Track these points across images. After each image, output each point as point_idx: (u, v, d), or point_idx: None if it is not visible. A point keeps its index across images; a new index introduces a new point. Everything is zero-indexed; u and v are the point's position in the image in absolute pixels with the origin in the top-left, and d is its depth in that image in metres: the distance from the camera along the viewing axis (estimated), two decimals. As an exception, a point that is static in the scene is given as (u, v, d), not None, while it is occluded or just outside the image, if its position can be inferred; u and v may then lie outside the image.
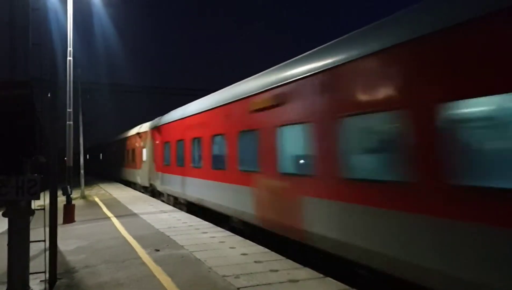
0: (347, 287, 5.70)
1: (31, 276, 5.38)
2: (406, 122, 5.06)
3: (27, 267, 5.18)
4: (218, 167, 11.11)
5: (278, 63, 8.53)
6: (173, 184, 15.69)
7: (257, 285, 5.87)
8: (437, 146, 4.67)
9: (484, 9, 4.22)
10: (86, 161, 50.79)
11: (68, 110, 15.44)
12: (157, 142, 18.32)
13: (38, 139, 4.95)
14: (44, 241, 5.82)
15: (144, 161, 21.29)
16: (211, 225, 10.99)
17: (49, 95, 6.37)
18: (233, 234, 9.60)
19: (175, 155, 15.31)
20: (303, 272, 6.40)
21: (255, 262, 7.07)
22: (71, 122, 15.20)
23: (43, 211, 5.76)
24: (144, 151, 21.17)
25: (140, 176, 22.50)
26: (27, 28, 5.47)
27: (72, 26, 16.02)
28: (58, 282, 6.35)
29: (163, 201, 17.60)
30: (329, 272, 6.36)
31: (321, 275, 6.21)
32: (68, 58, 15.78)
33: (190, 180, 13.60)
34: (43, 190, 5.36)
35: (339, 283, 5.88)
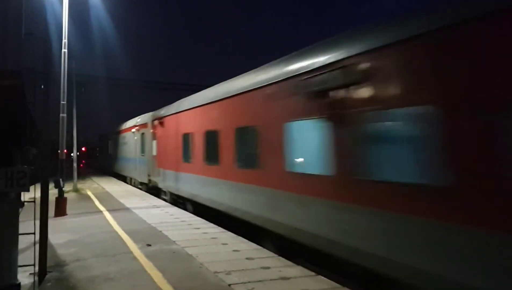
0: (338, 285, 5.70)
1: (20, 269, 5.33)
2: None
3: (16, 260, 5.12)
4: None
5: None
6: None
7: (249, 281, 5.84)
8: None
9: None
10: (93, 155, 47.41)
11: (62, 102, 15.32)
12: None
13: (29, 130, 4.89)
14: (34, 233, 5.76)
15: None
16: (203, 221, 10.95)
17: (42, 87, 6.29)
18: (225, 230, 9.57)
19: None
20: (295, 270, 6.39)
21: (247, 259, 7.05)
22: (65, 115, 15.09)
23: (34, 204, 5.70)
24: None
25: None
26: (20, 18, 5.39)
27: (68, 18, 15.86)
28: (48, 275, 6.30)
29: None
30: (321, 270, 6.36)
31: (313, 273, 6.20)
32: (63, 50, 15.63)
33: None
34: (35, 182, 5.29)
35: (330, 281, 5.87)
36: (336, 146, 6.03)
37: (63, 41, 15.68)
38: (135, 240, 8.61)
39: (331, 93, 6.12)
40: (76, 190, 20.08)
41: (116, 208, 13.74)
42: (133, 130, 21.84)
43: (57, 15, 15.78)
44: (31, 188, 5.09)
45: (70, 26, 15.91)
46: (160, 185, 16.43)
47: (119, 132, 27.50)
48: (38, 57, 6.24)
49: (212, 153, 10.85)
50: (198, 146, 11.92)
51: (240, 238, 8.78)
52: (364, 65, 5.50)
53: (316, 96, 6.41)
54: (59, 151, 15.07)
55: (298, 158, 7.15)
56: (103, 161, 38.71)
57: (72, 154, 24.33)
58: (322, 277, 6.02)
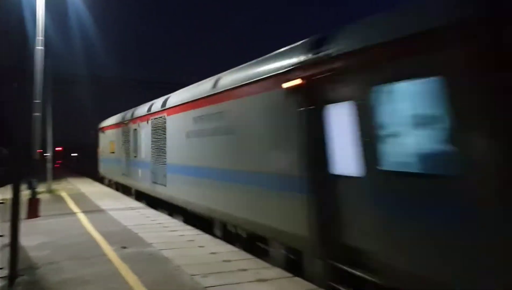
0: (314, 286, 5.75)
1: (-11, 273, 5.18)
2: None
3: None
4: None
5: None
6: None
7: (225, 284, 5.83)
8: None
9: None
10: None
11: (36, 101, 14.97)
12: None
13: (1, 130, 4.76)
14: (3, 236, 5.60)
15: None
16: (180, 223, 10.87)
17: (15, 85, 6.14)
18: (202, 232, 9.53)
19: None
20: (272, 272, 6.41)
21: (224, 261, 7.03)
22: (39, 114, 14.77)
23: (6, 206, 5.55)
24: None
25: None
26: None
27: (45, 14, 15.55)
28: (19, 279, 6.12)
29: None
30: (297, 272, 6.41)
31: (290, 275, 6.24)
32: (38, 47, 15.29)
33: None
34: (6, 183, 5.15)
35: (307, 282, 5.93)
36: None
37: (37, 38, 15.35)
38: (110, 243, 8.47)
39: None
40: (50, 191, 19.59)
41: (91, 209, 13.47)
42: (287, 84, 6.25)
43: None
44: (3, 189, 4.96)
45: (51, 24, 15.58)
46: None
47: (173, 110, 12.01)
48: (13, 54, 6.09)
49: None
50: None
51: (217, 240, 8.76)
52: None
53: None
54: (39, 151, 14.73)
55: None
56: (114, 168, 20.50)
57: (46, 154, 23.71)
58: (299, 279, 6.06)
